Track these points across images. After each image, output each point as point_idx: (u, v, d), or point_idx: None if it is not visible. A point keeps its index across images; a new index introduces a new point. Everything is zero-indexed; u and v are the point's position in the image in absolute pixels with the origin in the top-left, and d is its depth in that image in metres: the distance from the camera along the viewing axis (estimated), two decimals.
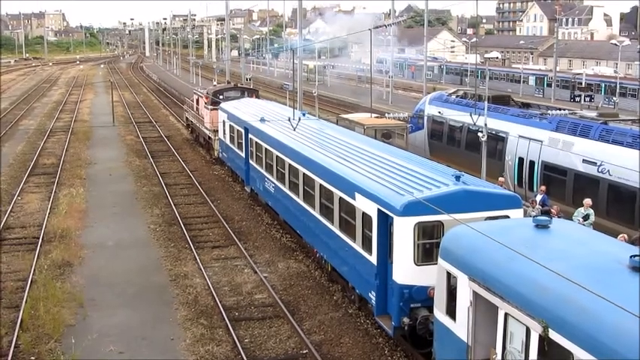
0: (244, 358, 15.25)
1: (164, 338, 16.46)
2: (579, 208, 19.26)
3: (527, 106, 30.31)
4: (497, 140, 26.64)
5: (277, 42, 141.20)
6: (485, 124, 24.01)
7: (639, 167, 19.33)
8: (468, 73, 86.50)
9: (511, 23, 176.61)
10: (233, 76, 69.97)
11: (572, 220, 17.96)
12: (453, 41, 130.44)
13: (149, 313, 17.91)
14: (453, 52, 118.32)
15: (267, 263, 21.57)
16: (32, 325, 16.81)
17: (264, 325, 17.08)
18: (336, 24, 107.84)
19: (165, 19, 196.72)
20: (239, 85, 45.89)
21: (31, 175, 34.65)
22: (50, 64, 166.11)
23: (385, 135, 28.98)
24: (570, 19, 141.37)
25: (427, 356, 13.91)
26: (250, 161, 28.02)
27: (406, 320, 14.32)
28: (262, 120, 26.15)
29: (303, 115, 26.68)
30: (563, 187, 22.75)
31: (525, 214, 16.64)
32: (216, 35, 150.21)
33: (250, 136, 27.64)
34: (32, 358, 15.45)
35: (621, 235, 16.14)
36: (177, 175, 35.01)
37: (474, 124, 25.14)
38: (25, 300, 18.12)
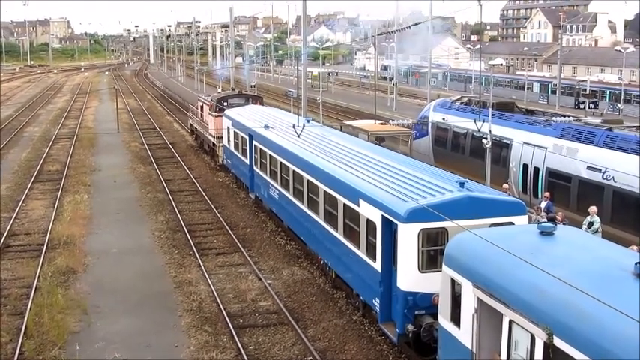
0: None
1: (168, 345, 16.45)
2: (588, 217, 19.19)
3: (531, 112, 30.29)
4: (502, 147, 26.63)
5: (281, 49, 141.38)
6: (490, 131, 24.01)
7: None
8: (473, 80, 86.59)
9: (515, 30, 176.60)
10: (237, 83, 70.05)
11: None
12: (457, 48, 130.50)
13: (153, 320, 17.90)
14: (457, 58, 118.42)
15: (272, 270, 21.56)
16: (36, 331, 16.81)
17: (268, 332, 17.07)
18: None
19: (169, 26, 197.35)
20: (243, 91, 45.95)
21: (36, 182, 34.72)
22: (55, 71, 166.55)
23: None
24: (574, 26, 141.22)
25: None
26: (254, 168, 28.05)
27: (410, 327, 14.29)
28: (266, 127, 26.18)
29: (308, 121, 26.70)
30: (567, 194, 22.72)
31: (530, 221, 16.60)
32: (221, 42, 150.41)
33: (255, 142, 27.67)
34: None
35: (631, 247, 16.06)
36: (182, 181, 35.05)
37: (479, 130, 25.13)
38: (29, 307, 18.13)
